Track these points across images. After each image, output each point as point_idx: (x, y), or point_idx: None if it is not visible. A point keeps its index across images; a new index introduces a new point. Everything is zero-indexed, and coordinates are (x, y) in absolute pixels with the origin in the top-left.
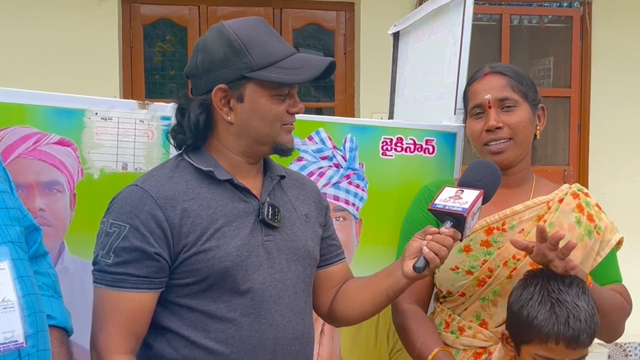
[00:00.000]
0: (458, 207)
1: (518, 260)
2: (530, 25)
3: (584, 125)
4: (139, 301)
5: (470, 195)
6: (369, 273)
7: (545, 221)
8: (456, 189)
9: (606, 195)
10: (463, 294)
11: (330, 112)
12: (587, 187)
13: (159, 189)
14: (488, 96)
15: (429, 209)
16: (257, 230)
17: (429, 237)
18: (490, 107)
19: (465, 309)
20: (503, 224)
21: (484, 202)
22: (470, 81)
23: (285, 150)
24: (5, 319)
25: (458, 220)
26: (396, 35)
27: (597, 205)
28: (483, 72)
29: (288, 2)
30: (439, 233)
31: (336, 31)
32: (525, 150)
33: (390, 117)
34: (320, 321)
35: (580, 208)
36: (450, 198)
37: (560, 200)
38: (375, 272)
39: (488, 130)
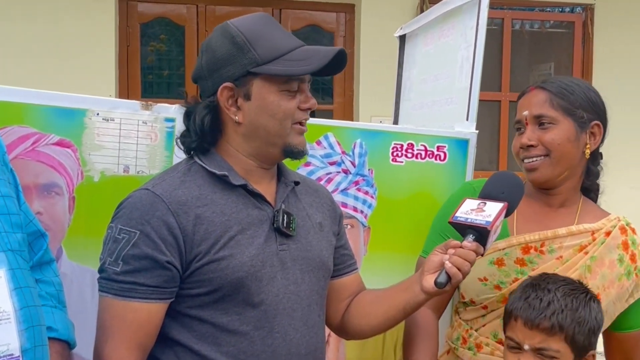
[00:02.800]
0: (481, 220)
1: None
2: (531, 30)
3: None
4: (148, 312)
5: (493, 208)
6: (377, 283)
7: (586, 253)
8: (478, 201)
9: (607, 203)
10: (485, 307)
11: (328, 114)
12: None
13: (171, 193)
14: (525, 112)
15: (449, 222)
16: (271, 239)
17: (451, 251)
18: (527, 124)
19: (484, 325)
20: (542, 245)
21: (506, 215)
22: (519, 96)
23: (296, 153)
24: (0, 332)
25: (481, 233)
26: (402, 38)
27: None
28: (530, 87)
29: (288, 2)
30: (461, 247)
31: (336, 33)
32: (566, 170)
33: (396, 121)
34: (326, 332)
35: (625, 246)
36: (472, 210)
37: (608, 234)
38: (383, 281)
39: (523, 147)
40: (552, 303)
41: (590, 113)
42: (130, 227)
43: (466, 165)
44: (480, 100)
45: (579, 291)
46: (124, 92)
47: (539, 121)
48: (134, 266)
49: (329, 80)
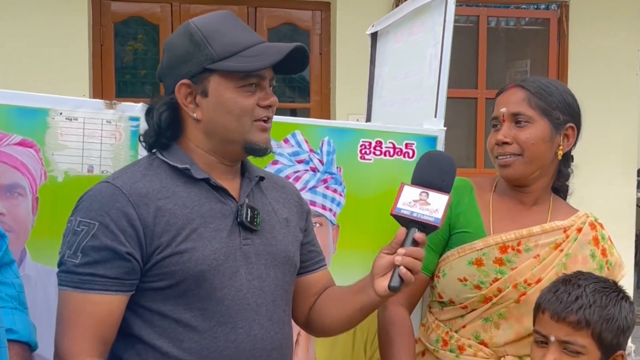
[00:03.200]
0: (429, 216)
1: (529, 285)
2: (507, 27)
3: None
4: (108, 304)
5: (439, 201)
6: (346, 281)
7: (561, 250)
8: (419, 190)
9: (583, 199)
10: (465, 307)
11: (306, 113)
12: None
13: (132, 186)
14: (503, 109)
15: (391, 214)
16: (235, 233)
17: (402, 250)
18: (504, 121)
19: (464, 327)
20: (518, 244)
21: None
22: (498, 93)
23: (258, 150)
24: None
25: (426, 228)
26: (374, 36)
27: (610, 239)
28: (510, 84)
29: (263, 0)
30: (413, 245)
31: (312, 31)
32: (538, 169)
33: (368, 119)
34: (295, 331)
35: (596, 241)
36: (415, 202)
37: (579, 230)
38: (353, 280)
39: (498, 144)
40: (580, 298)
41: (566, 115)
42: (90, 218)
43: None
44: (456, 98)
45: (610, 289)
46: (98, 92)
47: (516, 119)
48: (93, 258)
49: (305, 79)
